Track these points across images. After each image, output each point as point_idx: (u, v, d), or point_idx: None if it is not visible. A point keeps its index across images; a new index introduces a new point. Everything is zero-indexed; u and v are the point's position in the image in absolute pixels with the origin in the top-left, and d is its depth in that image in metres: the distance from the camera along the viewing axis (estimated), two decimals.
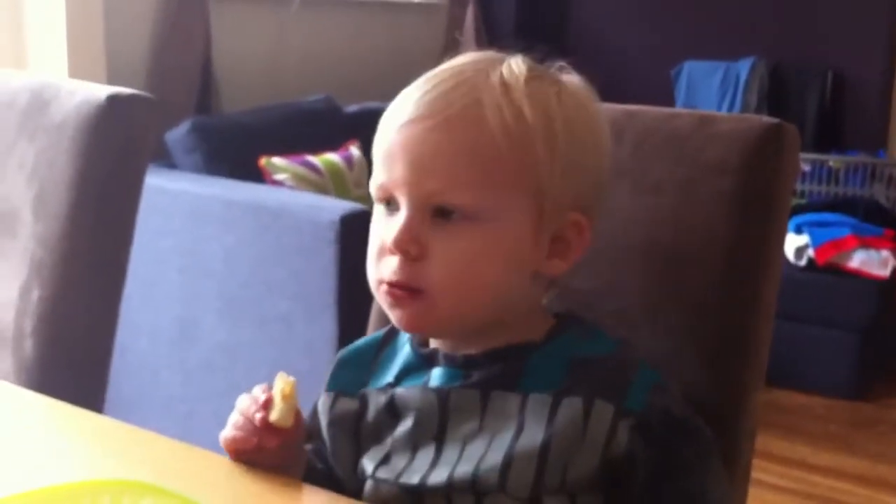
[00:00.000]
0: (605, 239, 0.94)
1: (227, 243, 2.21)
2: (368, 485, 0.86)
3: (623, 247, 0.96)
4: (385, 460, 0.86)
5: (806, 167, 3.52)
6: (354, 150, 2.72)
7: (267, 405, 0.82)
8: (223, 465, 0.83)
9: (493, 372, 0.84)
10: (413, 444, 0.85)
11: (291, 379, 0.82)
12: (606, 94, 0.96)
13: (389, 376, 0.89)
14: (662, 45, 4.06)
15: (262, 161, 2.52)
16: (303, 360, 2.00)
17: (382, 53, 3.41)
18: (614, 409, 0.79)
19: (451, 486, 0.81)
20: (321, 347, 2.01)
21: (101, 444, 0.87)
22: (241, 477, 0.81)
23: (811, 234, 3.08)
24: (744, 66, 3.84)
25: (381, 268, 0.84)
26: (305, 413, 0.89)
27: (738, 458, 0.93)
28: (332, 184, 2.59)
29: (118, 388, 2.06)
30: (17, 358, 1.19)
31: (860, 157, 3.60)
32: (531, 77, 0.85)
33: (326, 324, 2.03)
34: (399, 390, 0.87)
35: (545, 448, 0.79)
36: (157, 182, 2.23)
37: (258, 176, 2.49)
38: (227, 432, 0.84)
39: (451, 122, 0.81)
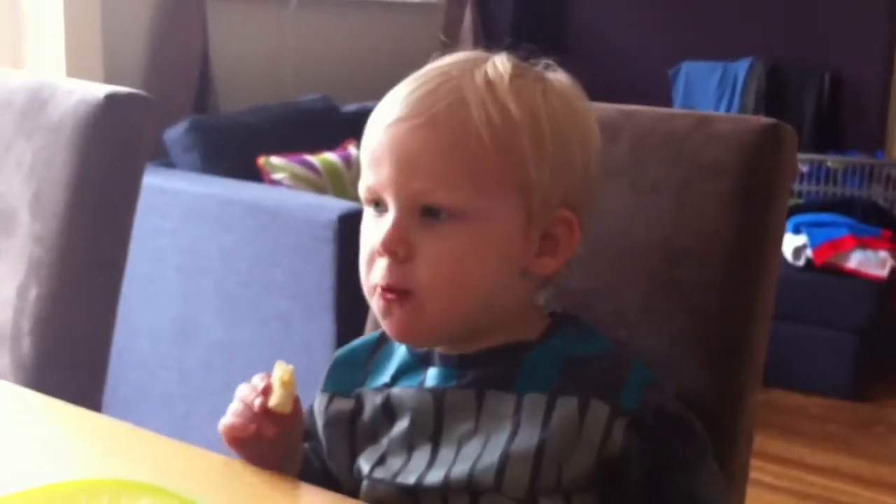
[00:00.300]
0: (602, 239, 0.94)
1: (225, 242, 2.21)
2: (365, 485, 0.86)
3: (621, 247, 0.96)
4: (381, 460, 0.86)
5: (804, 167, 3.52)
6: (352, 150, 2.72)
7: (266, 392, 0.82)
8: (221, 464, 0.83)
9: (489, 372, 0.84)
10: (409, 444, 0.85)
11: (290, 367, 0.82)
12: (604, 95, 0.96)
13: (385, 376, 0.89)
14: (660, 45, 4.06)
15: (261, 160, 2.52)
16: (301, 359, 1.99)
17: (380, 53, 3.40)
18: (609, 408, 0.79)
19: (447, 487, 0.81)
20: (319, 347, 2.01)
21: (100, 443, 0.87)
22: (239, 476, 0.81)
23: (809, 235, 3.08)
24: (741, 67, 3.84)
25: (372, 273, 0.84)
26: (305, 405, 0.89)
27: (735, 458, 0.93)
28: (331, 183, 2.59)
29: (116, 387, 2.06)
30: (14, 357, 1.19)
31: (858, 158, 3.61)
32: (516, 75, 0.85)
33: (324, 323, 2.03)
34: (395, 390, 0.87)
35: (541, 448, 0.79)
36: (155, 181, 2.23)
37: (256, 175, 2.49)
38: (226, 419, 0.84)
39: (436, 120, 0.81)
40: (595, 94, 0.90)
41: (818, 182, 3.56)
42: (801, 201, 3.43)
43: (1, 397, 0.96)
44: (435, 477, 0.82)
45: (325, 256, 2.01)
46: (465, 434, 0.82)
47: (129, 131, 1.21)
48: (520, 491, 0.79)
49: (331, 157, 2.65)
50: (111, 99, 1.19)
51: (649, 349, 0.91)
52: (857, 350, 3.01)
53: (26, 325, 1.19)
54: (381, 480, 0.85)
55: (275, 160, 2.53)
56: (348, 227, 1.99)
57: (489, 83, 0.83)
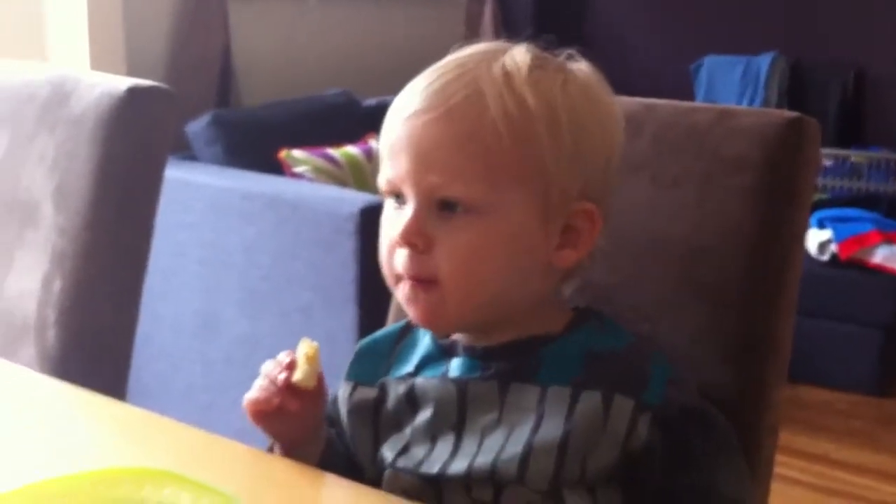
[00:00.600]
0: (624, 233, 0.94)
1: (247, 235, 2.22)
2: (388, 473, 0.86)
3: (643, 241, 0.96)
4: (405, 450, 0.86)
5: (828, 162, 3.49)
6: (373, 143, 2.72)
7: (291, 367, 0.83)
8: (245, 454, 0.83)
9: (512, 364, 0.84)
10: (432, 434, 0.85)
11: (315, 343, 0.83)
12: (625, 89, 0.96)
13: (409, 366, 0.90)
14: (682, 39, 4.04)
15: (282, 153, 2.52)
16: (323, 351, 1.99)
17: (401, 47, 3.40)
18: (634, 403, 0.79)
19: (469, 477, 0.81)
20: (341, 339, 2.01)
21: (123, 432, 0.87)
22: (263, 466, 0.81)
23: (834, 229, 3.05)
24: (764, 62, 3.81)
25: (393, 262, 0.84)
26: (329, 392, 0.89)
27: (760, 454, 0.92)
28: (352, 176, 2.59)
29: (140, 379, 2.07)
30: (39, 347, 1.20)
31: (883, 153, 3.57)
32: (534, 66, 0.84)
33: (347, 315, 2.03)
34: (418, 380, 0.87)
35: (565, 440, 0.79)
36: (177, 174, 2.24)
37: (278, 168, 2.49)
38: (250, 393, 0.84)
39: (452, 113, 0.81)
40: (616, 87, 0.89)
41: (842, 177, 3.53)
42: (825, 196, 3.40)
43: (26, 386, 0.97)
44: (458, 467, 0.82)
45: (346, 249, 2.02)
46: (489, 425, 0.83)
47: (151, 124, 1.21)
48: (543, 483, 0.79)
49: (352, 150, 2.66)
50: (133, 92, 1.20)
51: (671, 344, 0.91)
52: (882, 346, 2.99)
53: (51, 316, 1.19)
54: (403, 469, 0.85)
55: (296, 153, 2.54)
56: (370, 219, 1.99)
57: (507, 74, 0.83)
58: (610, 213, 0.88)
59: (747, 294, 0.92)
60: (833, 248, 3.03)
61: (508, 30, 3.78)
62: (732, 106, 1.00)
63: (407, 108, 0.84)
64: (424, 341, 0.91)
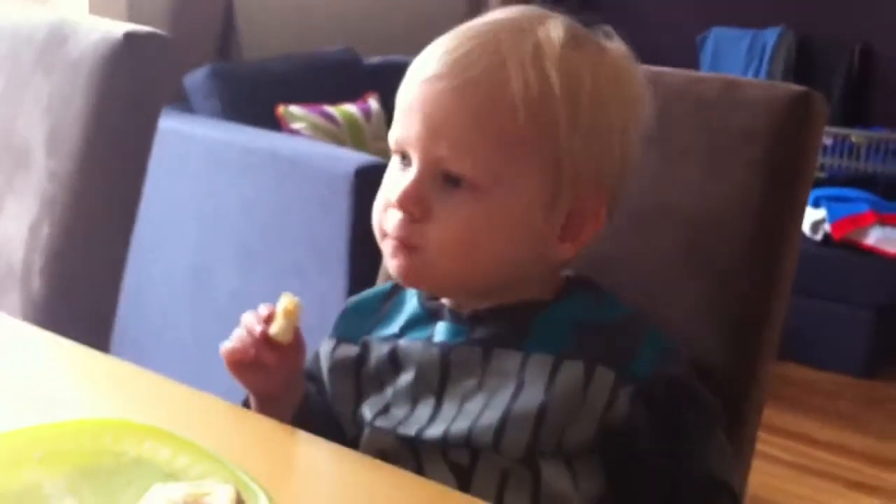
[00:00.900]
0: (626, 203, 0.93)
1: (242, 191, 2.20)
2: (367, 432, 0.86)
3: (645, 213, 0.95)
4: (384, 410, 0.85)
5: (828, 141, 3.48)
6: (373, 103, 2.71)
7: (269, 320, 0.83)
8: (230, 412, 0.82)
9: (498, 330, 0.83)
10: (413, 396, 0.84)
11: (296, 298, 0.83)
12: None
13: (394, 327, 0.89)
14: (689, 9, 4.00)
15: (280, 109, 2.50)
16: (314, 310, 1.97)
17: (406, 6, 3.37)
18: (615, 375, 0.78)
19: (446, 442, 0.81)
20: (333, 298, 2.00)
21: (104, 385, 0.86)
22: (247, 424, 0.81)
23: (829, 209, 3.05)
24: (771, 36, 3.79)
25: (385, 219, 0.83)
26: (312, 351, 0.89)
27: (744, 429, 0.92)
28: (349, 135, 2.58)
29: (130, 332, 2.06)
30: (24, 294, 1.19)
31: (883, 134, 3.56)
32: (568, 43, 0.81)
33: (338, 274, 2.03)
34: (402, 342, 0.87)
35: (542, 411, 0.78)
36: (174, 126, 2.22)
37: (275, 124, 2.47)
38: (228, 343, 0.84)
39: (470, 85, 0.79)
40: None
41: (841, 156, 3.52)
42: (822, 175, 3.40)
43: (9, 334, 0.96)
44: (435, 432, 0.81)
45: (341, 208, 2.01)
46: (469, 391, 0.82)
47: (147, 71, 1.20)
48: (518, 451, 0.79)
49: (351, 108, 2.64)
50: (130, 38, 1.18)
51: (670, 315, 0.90)
52: (871, 328, 2.99)
53: (37, 262, 1.19)
54: (381, 429, 0.84)
55: (294, 109, 2.52)
56: (365, 180, 1.98)
57: (537, 48, 0.80)
58: (620, 205, 0.85)
59: (747, 267, 0.91)
60: (826, 227, 3.03)
61: None
62: (739, 77, 0.98)
63: (426, 69, 0.81)
64: (412, 303, 0.89)
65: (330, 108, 2.59)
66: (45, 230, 1.19)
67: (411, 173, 0.81)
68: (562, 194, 0.81)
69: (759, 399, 0.93)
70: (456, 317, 0.85)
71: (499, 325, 0.83)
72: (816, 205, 3.08)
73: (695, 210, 0.93)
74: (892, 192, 3.22)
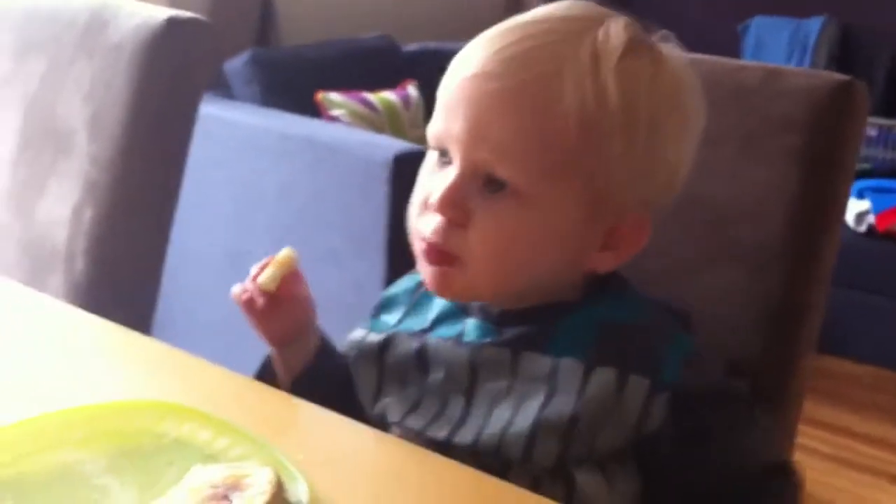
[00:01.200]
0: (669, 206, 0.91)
1: (280, 176, 2.21)
2: (396, 432, 0.85)
3: (681, 200, 0.94)
4: (413, 409, 0.84)
5: (872, 132, 3.43)
6: (412, 90, 2.71)
7: (264, 268, 0.88)
8: (267, 393, 0.83)
9: (526, 331, 0.81)
10: (443, 397, 0.83)
11: (293, 252, 0.88)
12: None
13: (424, 321, 0.87)
14: None
15: (319, 96, 2.51)
16: (350, 295, 2.00)
17: None
18: (649, 383, 0.76)
19: (476, 448, 0.79)
20: (369, 285, 2.01)
21: (147, 367, 0.87)
22: (285, 407, 0.81)
23: (873, 200, 3.01)
24: (814, 25, 3.74)
25: (422, 222, 0.80)
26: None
27: (784, 421, 0.91)
28: (388, 122, 2.58)
29: (166, 313, 2.08)
30: (67, 277, 1.21)
31: None
32: (628, 51, 0.77)
33: (375, 261, 2.03)
34: (431, 341, 0.85)
35: (574, 420, 0.76)
36: (214, 111, 2.23)
37: (314, 110, 2.48)
38: (236, 286, 0.89)
39: (521, 89, 0.75)
40: None
41: (885, 147, 3.47)
42: (867, 166, 3.35)
43: (53, 317, 0.97)
44: (465, 437, 0.80)
45: (379, 196, 2.01)
46: (499, 394, 0.80)
47: (188, 56, 1.20)
48: (549, 461, 0.77)
49: (389, 96, 2.64)
50: (171, 22, 1.19)
51: (703, 305, 0.90)
52: None
53: (80, 245, 1.20)
54: (411, 430, 0.83)
55: (333, 96, 2.52)
56: (404, 167, 1.98)
57: (595, 56, 0.76)
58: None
59: (783, 258, 0.90)
60: (870, 219, 2.99)
61: None
62: (781, 66, 0.97)
63: (473, 64, 0.77)
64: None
65: (369, 96, 2.60)
66: (88, 213, 1.20)
67: (451, 173, 0.78)
68: (604, 212, 0.79)
69: (799, 390, 0.92)
70: (486, 314, 0.84)
71: (527, 326, 0.81)
72: (860, 196, 3.04)
73: (731, 198, 0.92)
74: None
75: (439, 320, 0.86)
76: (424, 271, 0.82)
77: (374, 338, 0.88)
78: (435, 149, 0.81)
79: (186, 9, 1.26)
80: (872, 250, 2.97)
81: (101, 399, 0.74)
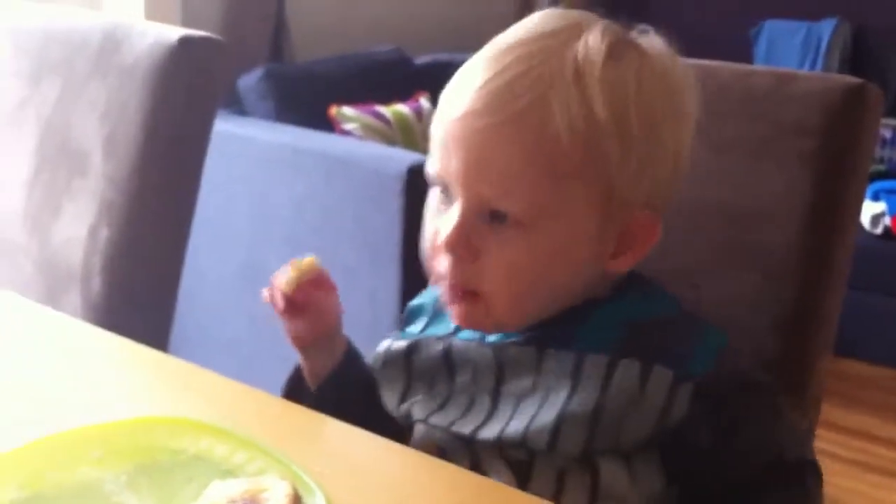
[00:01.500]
0: (676, 195, 0.92)
1: (294, 191, 2.22)
2: (420, 429, 0.86)
3: (694, 205, 0.94)
4: (440, 408, 0.85)
5: (887, 133, 3.42)
6: (424, 102, 2.71)
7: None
8: (285, 408, 0.83)
9: (550, 329, 0.82)
10: (470, 396, 0.84)
11: (312, 258, 0.90)
12: (683, 52, 0.93)
13: (448, 327, 0.89)
14: (742, 2, 3.95)
15: (332, 110, 2.52)
16: (366, 309, 2.01)
17: (454, 5, 3.37)
18: (673, 374, 0.77)
19: (501, 441, 0.80)
20: (384, 298, 2.01)
21: (164, 383, 0.88)
22: (302, 420, 0.81)
23: (889, 202, 3.00)
24: (826, 28, 3.73)
25: (438, 263, 0.82)
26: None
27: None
28: (401, 135, 2.58)
29: (182, 330, 2.08)
30: (84, 295, 1.21)
31: None
32: (609, 58, 0.78)
33: (390, 274, 2.03)
34: (456, 342, 0.87)
35: (597, 412, 0.77)
36: (228, 128, 2.24)
37: (328, 125, 2.49)
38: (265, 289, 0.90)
39: (511, 121, 0.76)
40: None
41: None
42: (882, 168, 3.34)
43: (70, 335, 0.97)
44: (490, 432, 0.81)
45: (393, 208, 2.01)
46: (524, 391, 0.81)
47: (202, 74, 1.21)
48: (575, 451, 0.78)
49: (402, 108, 2.65)
50: (185, 42, 1.19)
51: (717, 310, 0.90)
52: None
53: (97, 264, 1.20)
54: (436, 426, 0.85)
55: (346, 110, 2.53)
56: (417, 179, 1.98)
57: (578, 74, 0.76)
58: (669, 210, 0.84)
59: (798, 262, 0.90)
60: (886, 221, 2.98)
61: None
62: (792, 70, 0.97)
63: (463, 102, 0.78)
64: None
65: (382, 108, 2.60)
66: (104, 233, 1.20)
67: (455, 212, 0.79)
68: (613, 219, 0.80)
69: (816, 393, 0.92)
70: None
71: (551, 324, 0.83)
72: (876, 198, 3.03)
73: (744, 202, 0.92)
74: None
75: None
76: (453, 312, 0.84)
77: (400, 343, 0.90)
78: (437, 185, 0.83)
79: (199, 27, 1.27)
80: (888, 252, 2.96)
81: (118, 416, 0.75)
